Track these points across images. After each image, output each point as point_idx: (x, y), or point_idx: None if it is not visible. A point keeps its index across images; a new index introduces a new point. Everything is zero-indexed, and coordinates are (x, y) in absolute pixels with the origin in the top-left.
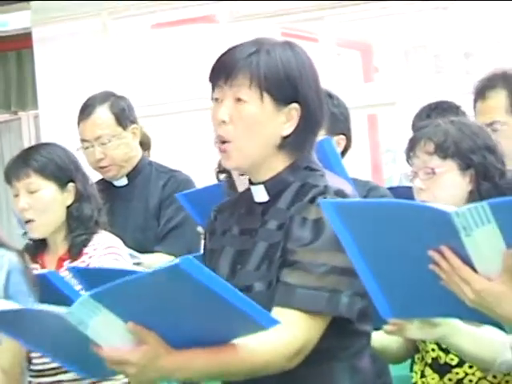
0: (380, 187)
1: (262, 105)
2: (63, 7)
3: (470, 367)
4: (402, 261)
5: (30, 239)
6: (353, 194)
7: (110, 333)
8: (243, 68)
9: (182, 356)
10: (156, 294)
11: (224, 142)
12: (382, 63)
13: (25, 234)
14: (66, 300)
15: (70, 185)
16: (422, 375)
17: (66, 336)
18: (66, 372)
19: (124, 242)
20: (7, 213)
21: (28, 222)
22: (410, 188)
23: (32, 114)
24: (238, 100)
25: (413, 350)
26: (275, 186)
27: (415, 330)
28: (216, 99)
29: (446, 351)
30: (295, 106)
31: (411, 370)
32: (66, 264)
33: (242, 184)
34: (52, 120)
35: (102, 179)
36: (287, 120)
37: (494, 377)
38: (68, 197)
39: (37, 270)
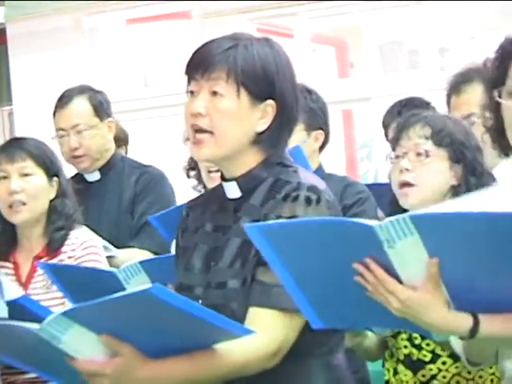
0: (357, 183)
1: (239, 99)
2: (38, 3)
3: (444, 363)
4: (329, 275)
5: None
6: (326, 190)
7: (84, 346)
8: (221, 62)
9: (157, 365)
10: (129, 312)
11: (198, 132)
12: (356, 59)
13: None
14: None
15: (55, 179)
16: (395, 372)
17: (40, 349)
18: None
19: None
20: None
21: (17, 205)
22: (386, 185)
23: (6, 111)
24: (214, 93)
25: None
26: (248, 183)
27: None
28: (191, 92)
29: (419, 347)
30: (271, 102)
31: (383, 365)
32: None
33: (210, 182)
34: (26, 116)
35: (75, 175)
36: (262, 116)
37: (469, 372)
38: (52, 190)
39: (9, 268)
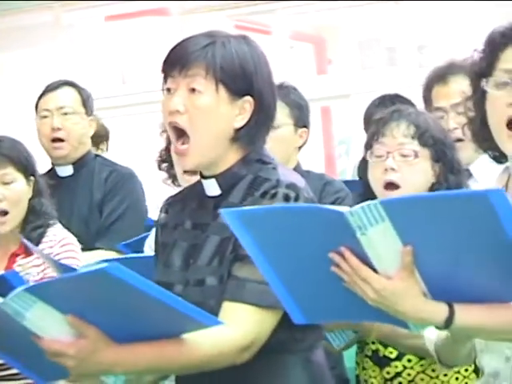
0: (335, 181)
1: (217, 96)
2: None
3: (409, 361)
4: (307, 265)
5: None
6: (305, 188)
7: (49, 324)
8: (199, 58)
9: (123, 350)
10: (91, 293)
11: (181, 137)
12: (335, 56)
13: None
14: None
15: (32, 178)
16: (364, 368)
17: (11, 330)
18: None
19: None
20: None
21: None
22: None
23: None
24: (193, 90)
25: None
26: (227, 180)
27: None
28: (168, 90)
29: (385, 344)
30: (249, 98)
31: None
32: (19, 260)
33: (184, 181)
34: (4, 113)
35: (48, 171)
36: (240, 113)
37: (433, 370)
38: (30, 190)
39: None
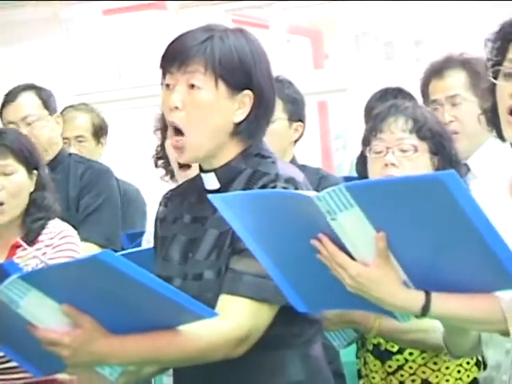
0: (331, 176)
1: (217, 91)
2: None
3: (410, 354)
4: (296, 251)
5: None
6: (304, 182)
7: (44, 313)
8: (197, 54)
9: (118, 340)
10: (86, 282)
11: (178, 134)
12: (332, 50)
13: None
14: None
15: (35, 172)
16: (365, 362)
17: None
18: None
19: None
20: None
21: None
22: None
23: None
24: (192, 86)
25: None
26: (226, 174)
27: None
28: (167, 85)
29: None
30: (248, 92)
31: (356, 356)
32: (20, 251)
33: (181, 177)
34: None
35: None
36: (240, 107)
37: (435, 363)
38: (32, 184)
39: None
